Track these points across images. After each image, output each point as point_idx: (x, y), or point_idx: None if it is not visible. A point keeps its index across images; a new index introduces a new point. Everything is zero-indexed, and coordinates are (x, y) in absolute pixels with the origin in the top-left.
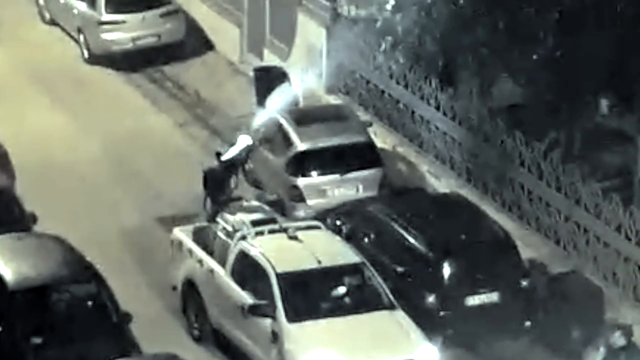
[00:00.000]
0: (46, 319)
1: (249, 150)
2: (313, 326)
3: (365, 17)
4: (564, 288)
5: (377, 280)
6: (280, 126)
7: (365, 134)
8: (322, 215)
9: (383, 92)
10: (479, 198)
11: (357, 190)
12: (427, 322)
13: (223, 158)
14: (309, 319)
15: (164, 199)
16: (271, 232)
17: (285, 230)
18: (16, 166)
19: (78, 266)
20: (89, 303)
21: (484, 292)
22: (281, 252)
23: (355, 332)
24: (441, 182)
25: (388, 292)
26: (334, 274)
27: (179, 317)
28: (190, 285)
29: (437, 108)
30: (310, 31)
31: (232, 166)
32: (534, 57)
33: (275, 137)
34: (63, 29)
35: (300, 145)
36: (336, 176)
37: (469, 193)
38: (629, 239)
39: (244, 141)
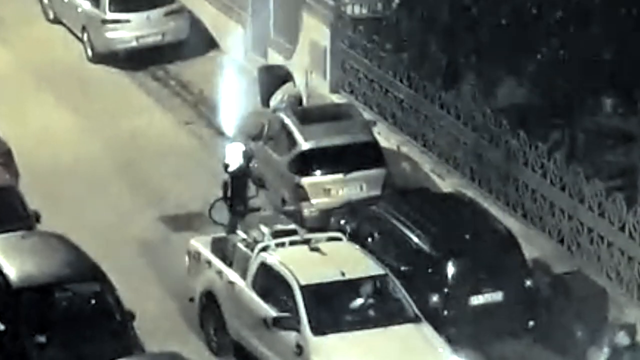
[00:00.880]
0: (50, 317)
1: (248, 156)
2: (338, 339)
3: (369, 16)
4: (568, 288)
5: (402, 292)
6: (284, 125)
7: (369, 133)
8: (327, 215)
9: (387, 91)
10: (483, 197)
11: (361, 189)
12: (431, 322)
13: (230, 170)
14: (334, 332)
15: (168, 197)
16: (292, 243)
17: (306, 241)
18: (20, 164)
19: (82, 265)
20: (93, 302)
21: (488, 292)
22: (304, 264)
23: (382, 345)
24: (445, 182)
25: (413, 304)
26: (358, 286)
27: (190, 322)
28: (209, 297)
29: (441, 107)
30: (314, 30)
31: (244, 176)
32: (538, 56)
33: (279, 136)
34: (67, 28)
35: (304, 145)
36: (340, 175)
37: (473, 192)
38: (633, 239)
39: (236, 149)
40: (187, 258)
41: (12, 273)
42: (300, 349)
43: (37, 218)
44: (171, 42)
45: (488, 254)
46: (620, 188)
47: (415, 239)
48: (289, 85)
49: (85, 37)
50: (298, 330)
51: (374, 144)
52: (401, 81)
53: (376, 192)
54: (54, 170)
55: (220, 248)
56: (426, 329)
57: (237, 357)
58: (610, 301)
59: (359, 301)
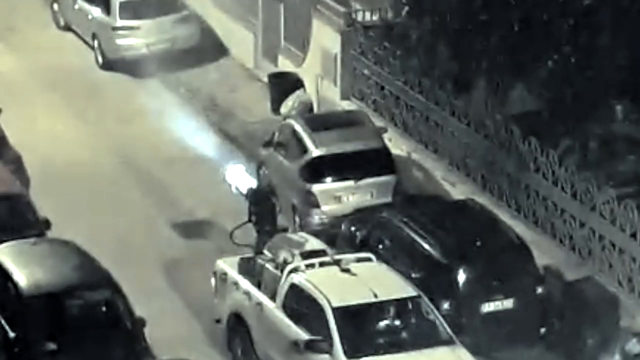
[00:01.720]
0: (60, 324)
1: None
2: None
3: (380, 23)
4: (579, 294)
5: (435, 314)
6: (294, 132)
7: (380, 140)
8: (337, 222)
9: (398, 98)
10: (494, 204)
11: (372, 196)
12: None
13: (254, 191)
14: (367, 355)
15: (179, 204)
16: (322, 264)
17: (337, 262)
18: (30, 172)
19: (92, 272)
20: (103, 308)
21: (499, 299)
22: (335, 286)
23: None
24: (456, 189)
25: (447, 326)
26: (391, 308)
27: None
28: (236, 319)
29: (452, 114)
30: (324, 37)
31: (268, 196)
32: (549, 63)
33: (290, 143)
34: (77, 35)
35: (315, 151)
36: (351, 182)
37: (484, 199)
38: None
39: (238, 170)
40: (213, 279)
41: (23, 280)
42: None
43: (47, 225)
44: (182, 49)
45: (499, 261)
46: (631, 195)
47: (427, 246)
48: (299, 92)
49: (95, 44)
50: (330, 354)
51: (385, 150)
52: (412, 88)
53: (387, 199)
54: (63, 177)
55: (248, 269)
56: (461, 351)
57: None
58: (622, 308)
59: (392, 323)
